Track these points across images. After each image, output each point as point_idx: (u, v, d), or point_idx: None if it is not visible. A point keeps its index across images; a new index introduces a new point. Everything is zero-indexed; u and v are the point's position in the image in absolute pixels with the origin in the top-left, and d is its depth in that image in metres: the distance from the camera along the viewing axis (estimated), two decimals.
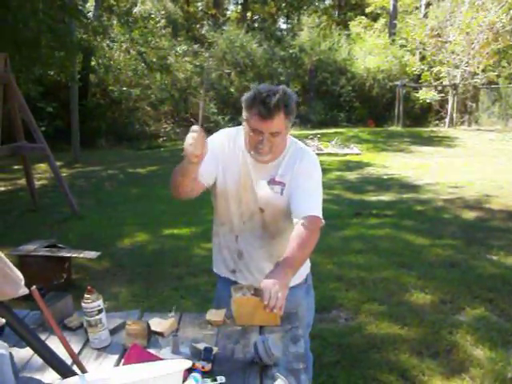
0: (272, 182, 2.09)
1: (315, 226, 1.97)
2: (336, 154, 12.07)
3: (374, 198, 8.11)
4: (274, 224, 2.16)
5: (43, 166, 10.30)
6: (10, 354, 1.62)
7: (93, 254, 4.70)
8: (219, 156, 2.10)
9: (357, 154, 12.32)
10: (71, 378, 1.41)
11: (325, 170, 2.17)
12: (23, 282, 1.20)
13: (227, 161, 2.11)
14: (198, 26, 23.94)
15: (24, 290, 1.19)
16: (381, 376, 3.18)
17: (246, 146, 2.07)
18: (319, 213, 2.00)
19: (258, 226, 2.17)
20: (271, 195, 2.09)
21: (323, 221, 2.01)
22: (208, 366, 1.60)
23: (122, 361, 1.65)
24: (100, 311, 1.81)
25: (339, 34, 22.42)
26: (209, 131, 1.87)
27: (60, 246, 4.82)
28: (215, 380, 1.53)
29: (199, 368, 1.58)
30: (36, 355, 1.49)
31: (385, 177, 9.71)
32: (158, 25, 18.79)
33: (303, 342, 1.78)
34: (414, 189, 8.63)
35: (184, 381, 1.45)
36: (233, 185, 2.12)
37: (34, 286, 1.36)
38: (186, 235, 6.43)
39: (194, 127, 1.76)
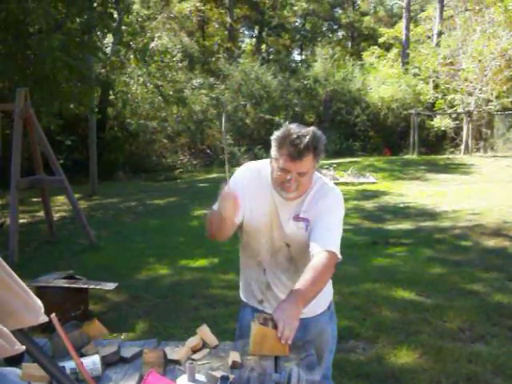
0: (296, 218, 2.11)
1: (331, 262, 1.97)
2: (352, 184, 12.06)
3: (391, 227, 8.08)
4: (300, 258, 2.17)
5: (62, 198, 10.43)
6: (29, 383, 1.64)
7: (110, 286, 4.71)
8: (246, 192, 2.12)
9: (373, 183, 12.31)
10: None
11: None
12: (43, 310, 1.23)
13: (254, 197, 2.14)
14: (213, 59, 24.35)
15: (44, 318, 1.22)
16: None
17: (272, 183, 2.10)
18: (336, 249, 2.01)
19: (285, 260, 2.20)
20: (296, 231, 2.12)
21: (340, 256, 2.02)
22: None
23: None
24: None
25: (353, 65, 22.68)
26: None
27: (78, 277, 4.84)
28: None
29: None
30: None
31: (401, 205, 9.67)
32: (174, 59, 19.13)
33: (318, 370, 1.78)
34: (432, 217, 8.58)
35: None
36: (260, 221, 2.15)
37: (54, 314, 1.40)
38: (203, 266, 6.44)
39: (224, 193, 1.92)
